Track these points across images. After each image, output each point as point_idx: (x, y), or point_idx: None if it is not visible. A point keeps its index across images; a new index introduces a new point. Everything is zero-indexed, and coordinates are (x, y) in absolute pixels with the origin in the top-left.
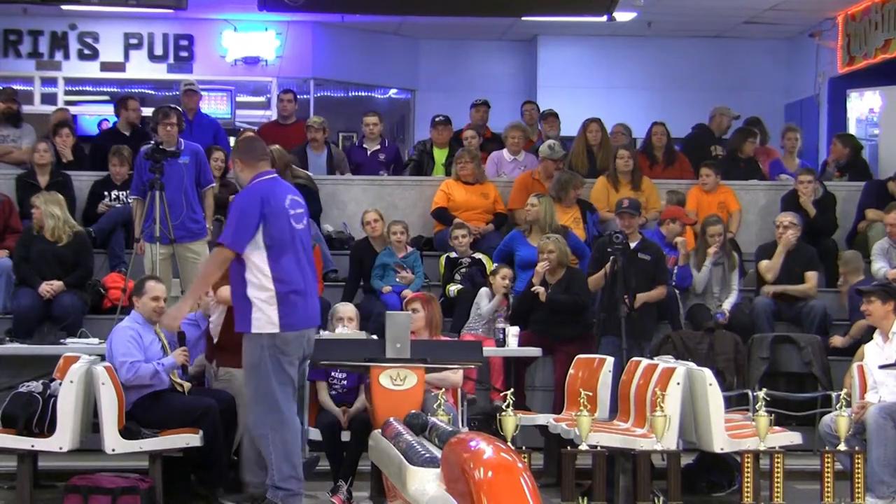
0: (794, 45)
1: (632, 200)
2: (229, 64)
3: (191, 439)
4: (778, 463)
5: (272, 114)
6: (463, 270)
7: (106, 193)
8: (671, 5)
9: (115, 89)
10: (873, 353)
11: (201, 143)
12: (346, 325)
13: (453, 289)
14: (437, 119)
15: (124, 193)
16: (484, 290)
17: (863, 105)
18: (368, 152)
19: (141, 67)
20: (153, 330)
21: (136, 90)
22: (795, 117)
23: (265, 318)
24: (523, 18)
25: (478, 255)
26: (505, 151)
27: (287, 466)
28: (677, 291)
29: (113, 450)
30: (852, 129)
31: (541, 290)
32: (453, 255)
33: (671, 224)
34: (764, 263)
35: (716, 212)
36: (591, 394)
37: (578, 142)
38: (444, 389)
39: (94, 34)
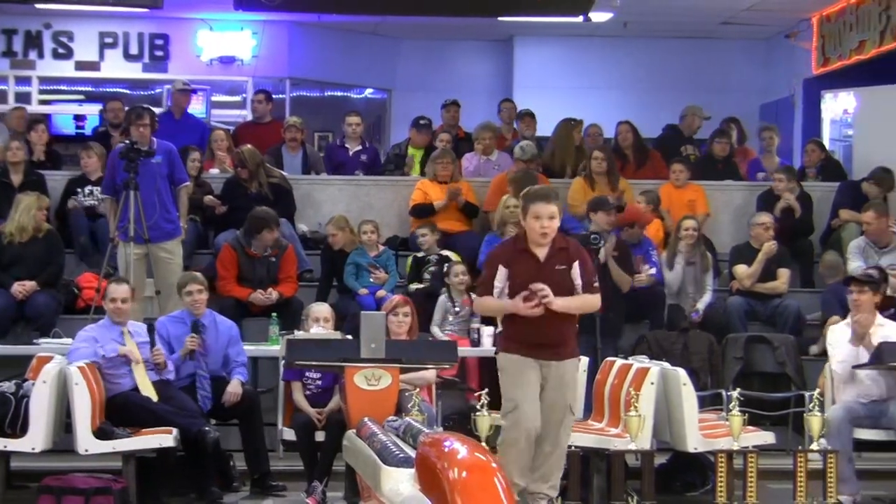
0: (770, 46)
1: (619, 198)
2: (205, 63)
3: (164, 440)
4: (751, 462)
5: (248, 113)
6: (431, 269)
7: (79, 190)
8: (647, 6)
9: (90, 88)
10: (847, 348)
11: (189, 143)
12: (321, 325)
13: (412, 288)
14: (421, 122)
15: (98, 189)
16: (442, 300)
17: (837, 106)
18: (350, 152)
19: (116, 67)
20: (120, 331)
21: (111, 90)
22: (771, 118)
23: None
24: (500, 19)
25: (445, 252)
26: (477, 149)
27: None
28: (665, 291)
29: (86, 450)
30: (826, 129)
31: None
32: (420, 254)
33: (630, 230)
34: (742, 269)
35: (686, 209)
36: None
37: (561, 142)
38: (418, 389)
39: (69, 33)
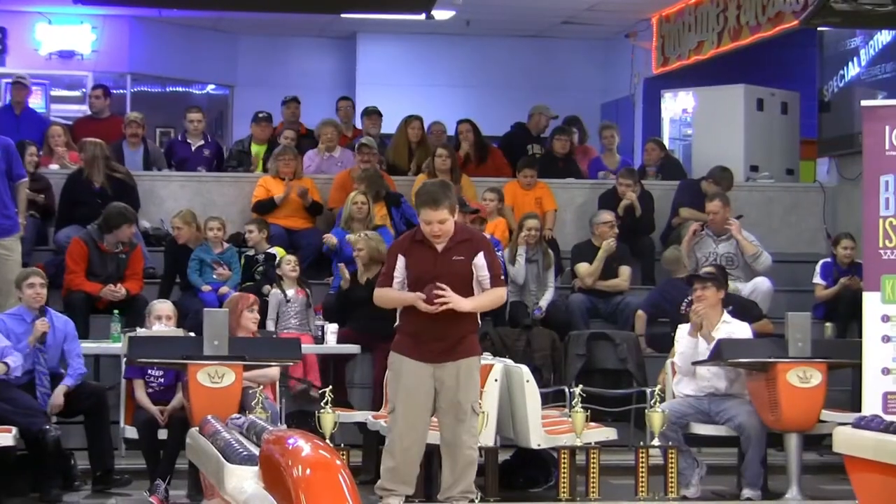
0: (611, 46)
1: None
2: (44, 57)
3: (3, 439)
4: (593, 458)
5: (88, 108)
6: (260, 269)
7: None
8: (489, 4)
9: None
10: (686, 340)
11: (29, 138)
12: (164, 322)
13: (245, 286)
14: (260, 115)
15: None
16: (273, 294)
17: (676, 105)
18: (193, 148)
19: None
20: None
21: None
22: (611, 117)
23: None
24: (342, 15)
25: (272, 250)
26: (320, 148)
27: None
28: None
29: None
30: (666, 129)
31: (345, 273)
32: (250, 252)
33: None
34: (584, 268)
35: (532, 208)
36: None
37: (397, 139)
38: (261, 386)
39: None
